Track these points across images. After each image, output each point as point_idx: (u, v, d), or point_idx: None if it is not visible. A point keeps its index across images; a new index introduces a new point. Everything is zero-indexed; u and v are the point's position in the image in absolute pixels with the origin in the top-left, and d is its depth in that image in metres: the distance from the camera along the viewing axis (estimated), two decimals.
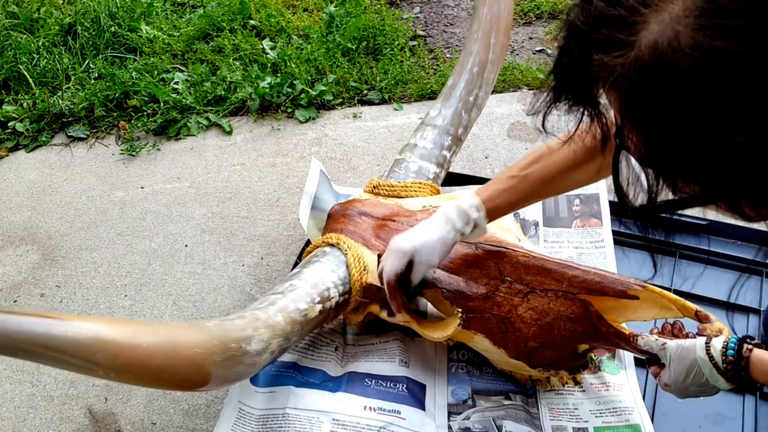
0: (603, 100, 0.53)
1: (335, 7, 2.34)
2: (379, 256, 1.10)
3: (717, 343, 0.88)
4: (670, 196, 0.52)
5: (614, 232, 1.37)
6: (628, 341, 0.99)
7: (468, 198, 1.01)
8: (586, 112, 0.54)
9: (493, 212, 1.01)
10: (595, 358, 1.19)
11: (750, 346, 0.86)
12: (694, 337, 0.97)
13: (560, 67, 0.54)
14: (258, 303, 0.98)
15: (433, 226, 1.01)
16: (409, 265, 1.02)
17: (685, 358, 0.91)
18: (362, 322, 1.20)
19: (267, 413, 1.10)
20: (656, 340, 0.96)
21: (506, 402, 1.15)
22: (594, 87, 0.51)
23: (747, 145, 0.43)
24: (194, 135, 2.02)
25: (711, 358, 0.87)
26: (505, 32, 1.33)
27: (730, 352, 0.86)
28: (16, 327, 0.70)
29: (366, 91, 2.09)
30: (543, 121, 0.57)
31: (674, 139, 0.47)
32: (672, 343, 0.94)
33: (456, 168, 1.52)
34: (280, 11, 2.41)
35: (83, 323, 0.75)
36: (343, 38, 2.21)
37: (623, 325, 1.04)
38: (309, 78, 2.10)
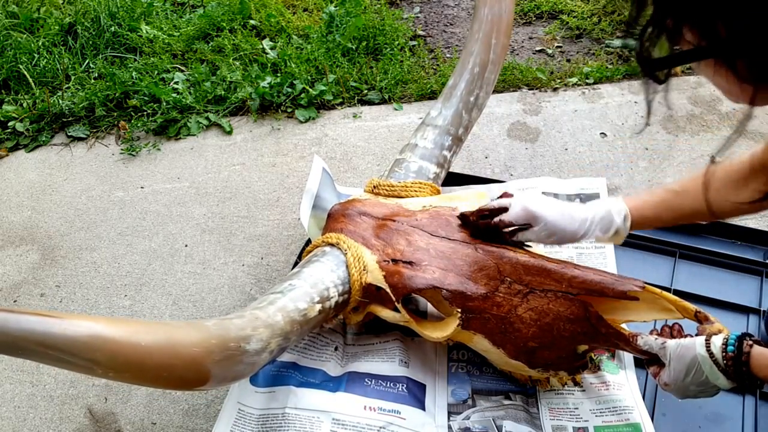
0: None
1: (335, 7, 2.34)
2: (379, 259, 1.10)
3: (717, 341, 0.88)
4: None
5: None
6: (627, 342, 0.99)
7: (616, 204, 1.01)
8: None
9: (642, 223, 1.01)
10: (594, 358, 1.19)
11: (750, 342, 0.86)
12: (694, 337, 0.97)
13: None
14: (257, 302, 0.98)
15: (573, 215, 1.01)
16: (526, 225, 1.03)
17: (685, 356, 0.91)
18: (362, 322, 1.20)
19: (267, 413, 1.10)
20: (656, 339, 0.96)
21: (506, 402, 1.15)
22: None
23: None
24: (194, 135, 2.02)
25: (711, 355, 0.87)
26: (506, 32, 1.33)
27: (731, 348, 0.86)
28: (15, 326, 0.70)
29: (366, 91, 2.09)
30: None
31: None
32: (672, 342, 0.94)
33: (456, 168, 1.52)
34: (280, 11, 2.41)
35: (82, 322, 0.74)
36: (343, 38, 2.21)
37: (623, 325, 1.04)
38: (309, 78, 2.10)
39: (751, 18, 0.46)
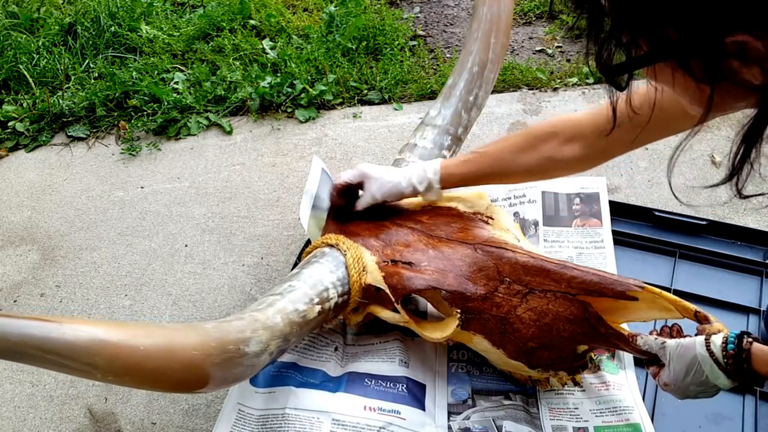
0: None
1: (335, 7, 2.34)
2: (378, 259, 1.10)
3: (717, 340, 0.88)
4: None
5: (614, 232, 1.37)
6: (627, 342, 0.99)
7: (432, 162, 1.14)
8: None
9: (450, 180, 1.12)
10: (594, 358, 1.19)
11: (750, 339, 0.86)
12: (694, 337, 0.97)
13: None
14: (257, 304, 0.98)
15: (396, 172, 1.16)
16: (360, 188, 1.18)
17: (684, 356, 0.90)
18: (362, 322, 1.20)
19: (267, 413, 1.10)
20: (655, 339, 0.96)
21: (506, 402, 1.15)
22: None
23: None
24: (194, 135, 2.02)
25: (711, 354, 0.87)
26: (505, 32, 1.33)
27: (731, 346, 0.86)
28: (14, 331, 0.70)
29: (366, 91, 2.09)
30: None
31: None
32: (671, 342, 0.94)
33: None
34: (280, 11, 2.41)
35: (81, 326, 0.74)
36: (343, 38, 2.21)
37: (623, 325, 1.04)
38: (309, 78, 2.10)
39: (695, 18, 0.47)
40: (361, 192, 1.20)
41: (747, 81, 0.49)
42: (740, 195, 0.55)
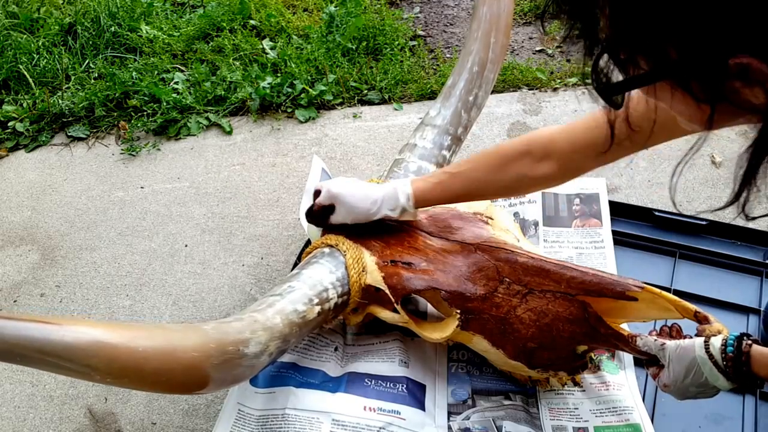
0: None
1: (335, 7, 2.34)
2: (378, 260, 1.10)
3: (716, 342, 0.88)
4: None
5: (614, 232, 1.37)
6: (626, 342, 0.99)
7: (403, 185, 1.10)
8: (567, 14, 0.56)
9: (423, 203, 1.10)
10: (594, 358, 1.19)
11: (749, 342, 0.86)
12: (693, 338, 0.97)
13: None
14: (256, 305, 0.98)
15: (366, 197, 1.11)
16: (333, 207, 1.15)
17: (684, 358, 0.90)
18: (362, 323, 1.20)
19: (267, 414, 1.10)
20: (655, 340, 0.96)
21: (506, 402, 1.15)
22: None
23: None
24: (194, 135, 2.02)
25: (710, 356, 0.87)
26: (505, 31, 1.33)
27: (730, 348, 0.86)
28: (13, 332, 0.70)
29: (366, 91, 2.09)
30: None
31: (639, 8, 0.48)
32: (671, 343, 0.94)
33: None
34: (280, 11, 2.41)
35: (80, 328, 0.74)
36: (343, 38, 2.21)
37: (622, 326, 1.04)
38: (309, 78, 2.10)
39: (696, 38, 0.46)
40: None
41: (748, 102, 0.49)
42: (747, 217, 0.54)
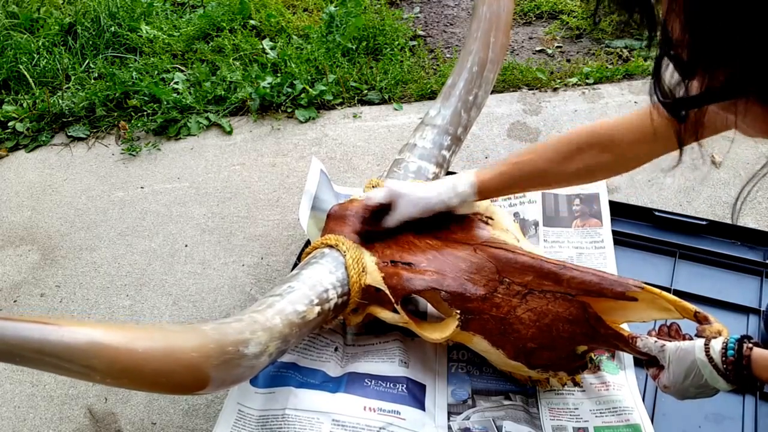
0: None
1: (335, 7, 2.34)
2: (378, 260, 1.10)
3: (716, 345, 0.87)
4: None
5: (614, 232, 1.37)
6: (626, 343, 0.99)
7: (465, 175, 1.11)
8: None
9: (486, 192, 1.11)
10: (594, 358, 1.19)
11: (750, 345, 0.85)
12: (693, 339, 0.97)
13: None
14: (256, 305, 0.98)
15: (428, 187, 1.13)
16: (390, 207, 1.14)
17: (684, 360, 0.90)
18: (362, 323, 1.20)
19: (266, 414, 1.10)
20: (655, 342, 0.96)
21: (506, 402, 1.15)
22: None
23: None
24: (194, 135, 2.02)
25: (711, 359, 0.87)
26: (505, 31, 1.33)
27: (730, 352, 0.85)
28: (12, 333, 0.70)
29: (366, 91, 2.09)
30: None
31: (718, 14, 0.44)
32: (671, 345, 0.94)
33: (456, 168, 1.52)
34: (280, 11, 2.41)
35: (79, 329, 0.74)
36: (343, 38, 2.21)
37: (622, 326, 1.04)
38: (309, 78, 2.10)
39: None
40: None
41: None
42: None
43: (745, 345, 0.85)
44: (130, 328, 0.80)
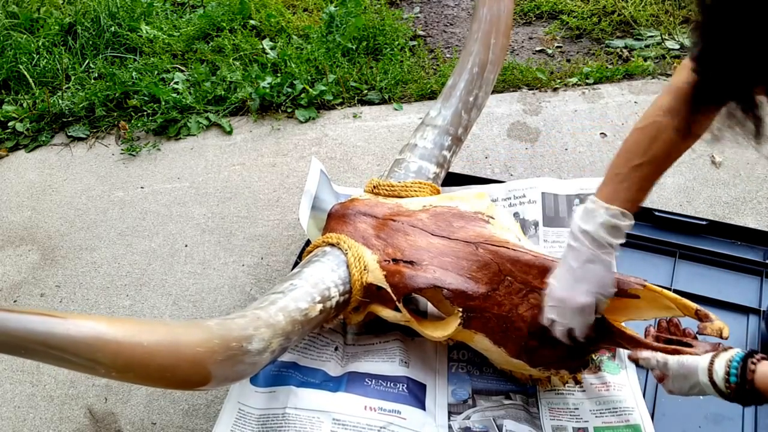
0: None
1: (335, 7, 2.34)
2: (379, 258, 1.10)
3: (719, 369, 0.84)
4: None
5: None
6: (628, 339, 0.99)
7: (604, 210, 0.93)
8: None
9: (635, 209, 0.95)
10: (595, 358, 1.19)
11: (753, 367, 0.82)
12: (694, 337, 0.96)
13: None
14: (259, 302, 0.98)
15: (593, 258, 0.94)
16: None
17: (687, 378, 0.89)
18: (362, 322, 1.20)
19: (267, 413, 1.10)
20: (657, 362, 0.93)
21: (506, 401, 1.15)
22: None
23: None
24: (194, 135, 2.02)
25: (714, 384, 0.85)
26: (505, 32, 1.33)
27: (733, 378, 0.83)
28: (17, 325, 0.70)
29: (366, 91, 2.09)
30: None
31: None
32: (673, 362, 0.91)
33: (456, 168, 1.52)
34: (280, 11, 2.41)
35: (85, 322, 0.74)
36: (343, 38, 2.21)
37: (624, 324, 1.04)
38: (309, 78, 2.10)
39: None
40: None
41: None
42: None
43: (749, 367, 0.82)
44: (135, 322, 0.80)
